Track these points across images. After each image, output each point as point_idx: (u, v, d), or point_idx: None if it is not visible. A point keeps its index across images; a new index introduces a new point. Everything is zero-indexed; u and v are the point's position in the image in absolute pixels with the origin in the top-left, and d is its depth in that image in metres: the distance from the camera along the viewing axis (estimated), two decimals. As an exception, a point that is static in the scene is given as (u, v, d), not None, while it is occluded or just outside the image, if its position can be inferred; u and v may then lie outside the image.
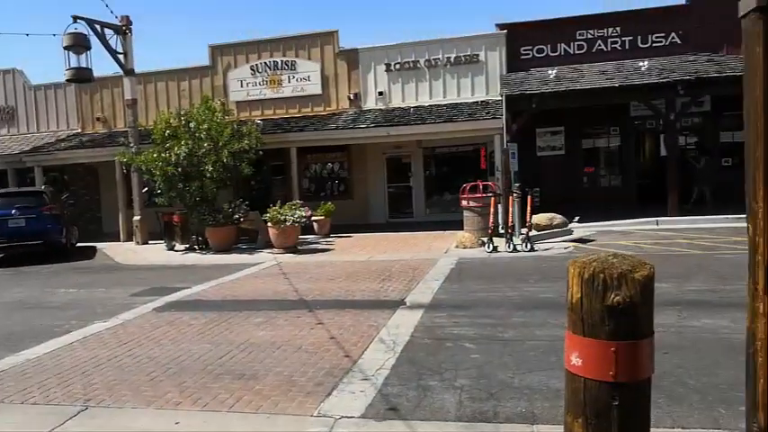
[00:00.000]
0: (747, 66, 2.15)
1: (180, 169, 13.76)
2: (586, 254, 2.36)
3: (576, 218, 15.06)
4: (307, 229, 15.55)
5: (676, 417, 3.87)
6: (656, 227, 13.96)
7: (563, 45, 17.80)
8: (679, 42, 16.91)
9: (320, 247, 13.92)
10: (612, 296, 2.38)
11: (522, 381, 4.55)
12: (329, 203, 16.16)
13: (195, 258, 13.26)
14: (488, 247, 11.68)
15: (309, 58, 19.05)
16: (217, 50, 19.66)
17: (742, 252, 10.31)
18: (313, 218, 15.49)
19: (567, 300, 2.52)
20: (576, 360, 2.49)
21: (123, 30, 16.06)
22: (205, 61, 19.79)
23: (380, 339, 5.81)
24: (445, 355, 5.25)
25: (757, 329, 2.17)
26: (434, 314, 6.73)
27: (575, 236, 12.88)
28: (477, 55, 17.86)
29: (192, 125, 14.26)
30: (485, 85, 17.74)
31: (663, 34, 17.12)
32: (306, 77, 18.94)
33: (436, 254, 11.66)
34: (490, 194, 13.19)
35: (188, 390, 4.71)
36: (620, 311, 2.37)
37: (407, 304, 7.32)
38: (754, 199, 2.13)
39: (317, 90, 18.88)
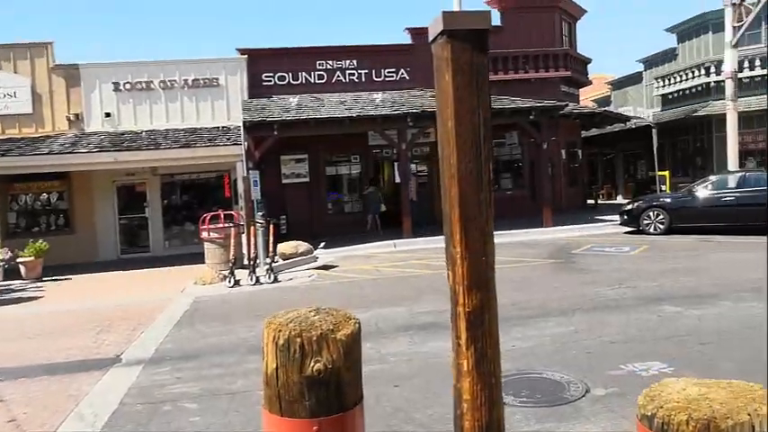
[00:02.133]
0: (438, 96, 1.94)
1: None
2: (285, 312, 1.91)
3: (322, 244, 15.17)
4: (12, 273, 12.97)
5: (403, 461, 3.68)
6: (394, 249, 14.71)
7: (304, 74, 18.06)
8: (407, 78, 18.39)
9: (26, 295, 11.61)
10: (312, 364, 1.97)
11: (246, 445, 3.99)
12: (41, 241, 13.68)
13: None
14: (230, 282, 10.94)
15: (16, 72, 16.27)
16: None
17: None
18: (19, 259, 12.97)
19: (262, 371, 2.06)
20: (274, 447, 2.02)
21: None
22: None
23: (79, 414, 4.73)
24: (159, 423, 4.43)
25: (463, 389, 1.94)
26: (155, 370, 5.81)
27: (320, 263, 12.86)
28: (218, 79, 17.13)
29: None
30: (226, 110, 17.06)
31: (394, 70, 18.45)
32: (11, 93, 16.09)
33: (171, 293, 10.52)
34: (232, 225, 12.51)
35: None
36: (321, 382, 1.96)
37: (123, 361, 6.24)
38: (452, 244, 1.90)
39: (27, 109, 16.18)
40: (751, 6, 16.93)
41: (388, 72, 18.38)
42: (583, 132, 23.98)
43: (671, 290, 8.04)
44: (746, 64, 21.58)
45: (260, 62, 17.65)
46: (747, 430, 1.49)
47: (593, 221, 17.22)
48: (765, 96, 21.86)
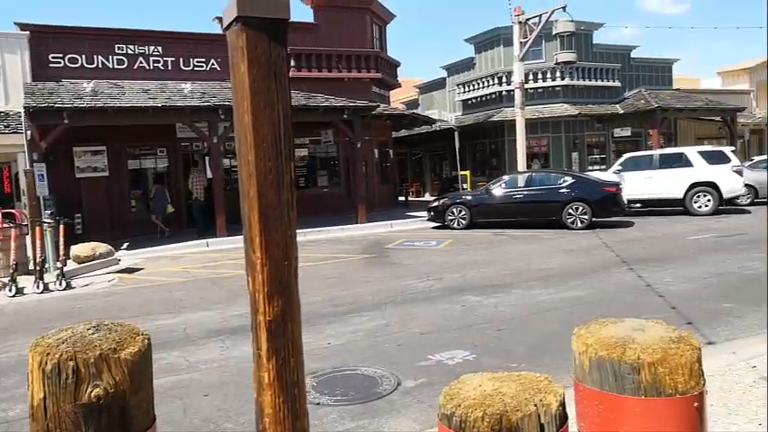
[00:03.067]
0: (234, 88, 1.78)
1: None
2: (57, 330, 1.62)
3: (125, 245, 13.94)
4: None
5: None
6: (206, 249, 14.02)
7: (101, 57, 16.42)
8: (218, 69, 17.63)
9: None
10: (90, 390, 1.71)
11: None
12: None
13: None
14: (10, 291, 9.51)
15: None
16: None
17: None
18: None
19: (28, 404, 1.74)
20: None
21: None
22: None
23: None
24: None
25: (265, 402, 1.81)
26: None
27: (122, 266, 11.79)
28: (-9, 56, 14.84)
29: None
30: (3, 94, 14.85)
31: (204, 60, 17.56)
32: None
33: (-70, 307, 8.85)
34: (12, 225, 10.92)
35: None
36: (101, 409, 1.71)
37: None
38: (252, 249, 1.76)
39: None
40: (534, 25, 19.07)
41: (198, 62, 17.46)
42: (393, 133, 25.11)
43: (472, 280, 8.69)
44: (531, 76, 24.31)
45: (46, 41, 15.66)
46: (534, 420, 1.57)
47: (405, 217, 18.11)
48: (547, 106, 24.85)
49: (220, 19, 17.92)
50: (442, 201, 16.29)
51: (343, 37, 19.62)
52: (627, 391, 1.78)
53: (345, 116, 16.46)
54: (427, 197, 28.07)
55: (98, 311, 7.95)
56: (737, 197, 16.67)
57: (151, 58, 16.99)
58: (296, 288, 1.79)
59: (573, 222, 14.20)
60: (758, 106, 33.42)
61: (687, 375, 1.78)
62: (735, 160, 16.16)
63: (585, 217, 14.11)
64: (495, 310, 6.83)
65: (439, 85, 31.76)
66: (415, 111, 27.52)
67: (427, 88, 33.24)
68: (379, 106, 19.00)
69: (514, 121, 20.20)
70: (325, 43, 19.31)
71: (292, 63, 18.91)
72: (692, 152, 16.65)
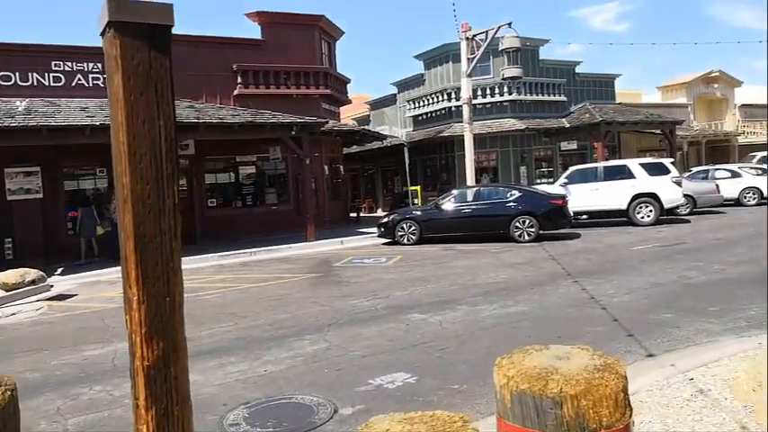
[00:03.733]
0: (110, 101, 1.59)
1: None
2: None
3: (59, 270, 13.28)
4: None
5: None
6: (148, 271, 13.45)
7: (36, 75, 15.76)
8: (162, 86, 17.11)
9: None
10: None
11: None
12: None
13: None
14: (-73, 323, 8.86)
15: None
16: None
17: (224, 292, 10.56)
18: None
19: None
20: None
21: None
22: None
23: None
24: None
25: (149, 458, 1.59)
26: None
27: (54, 292, 11.17)
28: None
29: None
30: (-73, 112, 14.00)
31: (146, 76, 17.02)
32: None
33: None
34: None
35: None
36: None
37: None
38: (128, 284, 1.55)
39: None
40: (481, 42, 19.33)
41: (140, 78, 16.93)
42: (345, 149, 24.96)
43: (419, 297, 8.56)
44: (479, 92, 24.63)
45: (-24, 57, 14.93)
46: (445, 468, 1.43)
47: (356, 234, 17.91)
48: (495, 121, 25.20)
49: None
50: (392, 217, 16.17)
51: (291, 53, 19.42)
52: (549, 428, 1.65)
53: (293, 132, 16.22)
54: (380, 213, 27.96)
55: (23, 343, 7.45)
56: (677, 207, 17.19)
57: (90, 76, 16.39)
58: (181, 327, 1.59)
59: (520, 235, 14.30)
60: (695, 119, 34.86)
61: (612, 407, 1.66)
62: (674, 172, 16.66)
63: (533, 230, 14.24)
64: (440, 329, 6.70)
65: (390, 101, 31.86)
66: (366, 127, 27.48)
67: (378, 104, 33.30)
68: (327, 122, 18.84)
69: (464, 136, 20.36)
70: (273, 60, 19.08)
71: (239, 80, 18.60)
72: (634, 164, 17.09)
